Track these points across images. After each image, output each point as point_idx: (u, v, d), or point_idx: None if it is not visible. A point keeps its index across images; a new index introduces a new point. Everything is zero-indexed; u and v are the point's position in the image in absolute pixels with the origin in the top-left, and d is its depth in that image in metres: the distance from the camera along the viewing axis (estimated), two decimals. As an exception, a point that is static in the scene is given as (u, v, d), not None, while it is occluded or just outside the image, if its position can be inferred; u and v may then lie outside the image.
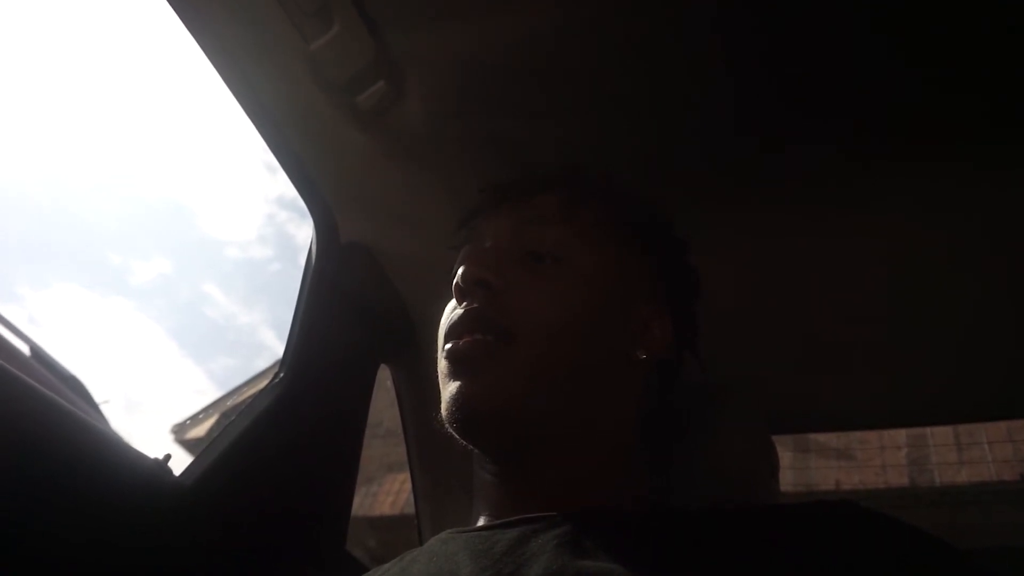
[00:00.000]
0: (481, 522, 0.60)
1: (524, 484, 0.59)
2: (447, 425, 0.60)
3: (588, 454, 0.60)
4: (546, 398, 0.58)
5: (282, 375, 0.85)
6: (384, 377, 1.09)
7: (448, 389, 0.59)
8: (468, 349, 0.59)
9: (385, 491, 4.41)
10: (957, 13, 0.67)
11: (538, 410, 0.58)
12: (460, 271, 0.62)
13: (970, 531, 2.91)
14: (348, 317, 0.95)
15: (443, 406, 0.59)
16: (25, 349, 1.30)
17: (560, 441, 0.59)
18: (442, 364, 0.61)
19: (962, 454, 3.29)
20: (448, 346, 0.60)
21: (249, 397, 0.83)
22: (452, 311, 0.64)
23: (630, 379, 0.65)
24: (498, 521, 0.56)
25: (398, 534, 3.88)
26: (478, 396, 0.57)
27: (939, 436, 3.38)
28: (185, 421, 5.58)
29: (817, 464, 3.57)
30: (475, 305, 0.61)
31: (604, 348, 0.63)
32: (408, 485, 1.19)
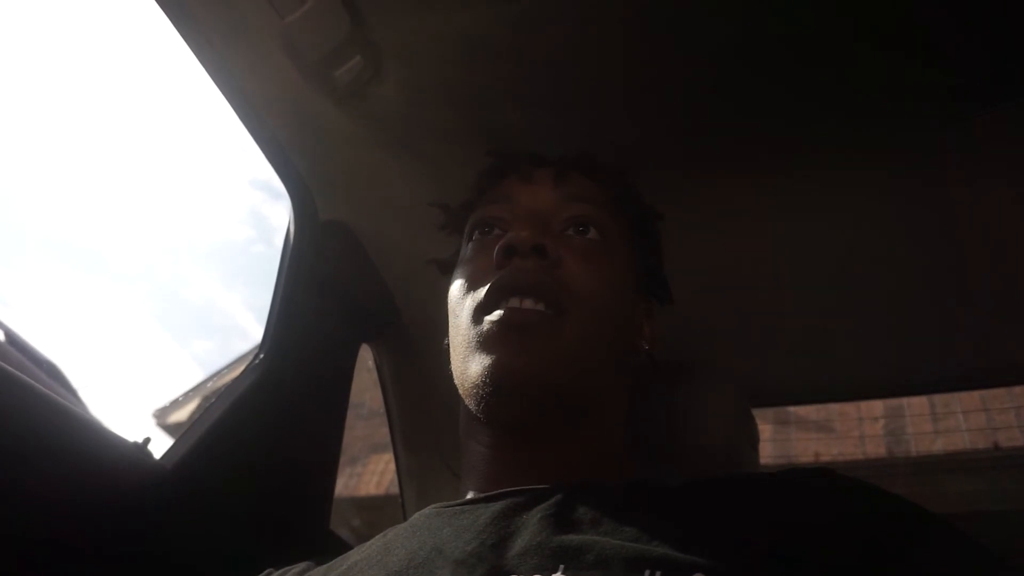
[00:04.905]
0: (468, 497, 0.60)
1: (523, 459, 0.59)
2: (471, 391, 0.57)
3: (591, 433, 0.61)
4: (582, 377, 0.58)
5: (262, 356, 0.84)
6: (365, 358, 1.08)
7: (486, 356, 0.56)
8: (528, 319, 0.57)
9: (370, 471, 4.41)
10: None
11: (573, 388, 0.57)
12: (512, 234, 0.60)
13: (945, 498, 2.98)
14: (327, 296, 0.94)
15: (473, 372, 0.56)
16: (-1, 334, 1.28)
17: (576, 419, 0.59)
18: (482, 328, 0.58)
19: (937, 424, 3.35)
20: (500, 313, 0.57)
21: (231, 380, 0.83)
22: (480, 275, 0.62)
23: (629, 366, 0.68)
24: (483, 495, 0.56)
25: (383, 514, 3.89)
26: (525, 368, 0.55)
27: (915, 407, 3.44)
28: (167, 405, 5.54)
29: (797, 436, 3.62)
30: (527, 270, 0.59)
31: (625, 335, 0.66)
32: (393, 465, 1.19)
